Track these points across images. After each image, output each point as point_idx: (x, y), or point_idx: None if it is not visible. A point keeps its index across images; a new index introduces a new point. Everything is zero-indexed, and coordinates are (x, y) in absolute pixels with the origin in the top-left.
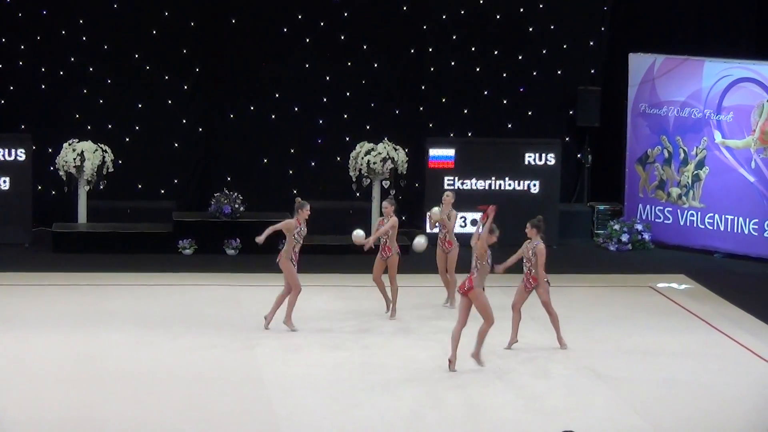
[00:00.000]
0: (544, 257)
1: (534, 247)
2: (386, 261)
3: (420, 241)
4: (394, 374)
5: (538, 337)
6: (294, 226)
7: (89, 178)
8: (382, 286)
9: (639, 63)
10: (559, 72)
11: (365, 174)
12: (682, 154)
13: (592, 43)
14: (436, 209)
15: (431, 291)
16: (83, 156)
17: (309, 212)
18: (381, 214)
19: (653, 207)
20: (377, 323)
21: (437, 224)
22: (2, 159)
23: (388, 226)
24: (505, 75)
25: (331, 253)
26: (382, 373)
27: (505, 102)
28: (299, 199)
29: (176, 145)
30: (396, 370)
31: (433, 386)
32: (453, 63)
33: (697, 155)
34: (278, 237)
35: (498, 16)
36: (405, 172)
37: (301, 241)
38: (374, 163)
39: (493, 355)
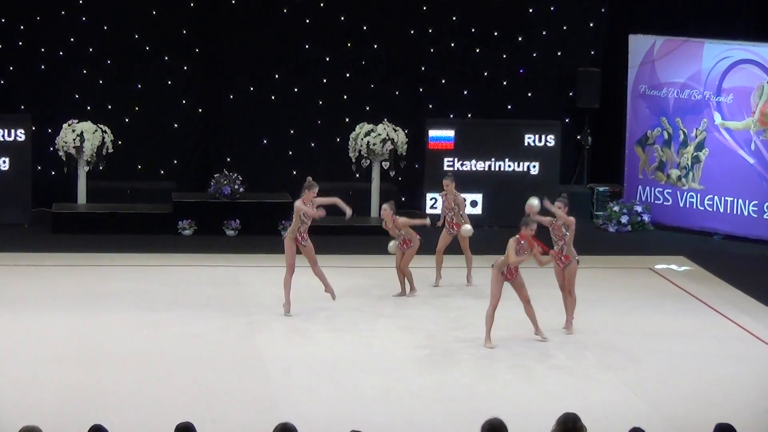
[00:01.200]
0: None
1: (562, 224)
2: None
3: (467, 228)
4: (396, 355)
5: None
6: (299, 208)
7: (89, 159)
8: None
9: (639, 44)
10: (558, 53)
11: (365, 155)
12: (682, 136)
13: (592, 25)
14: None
15: (429, 273)
16: (83, 136)
17: (315, 194)
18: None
19: (653, 188)
20: (379, 304)
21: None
22: (2, 139)
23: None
24: (504, 56)
25: (332, 234)
26: (384, 354)
27: (504, 83)
28: (310, 178)
29: (176, 125)
30: (396, 349)
31: (434, 367)
32: (453, 44)
33: (696, 137)
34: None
35: None
36: (405, 153)
37: (308, 222)
38: (374, 144)
39: (496, 337)
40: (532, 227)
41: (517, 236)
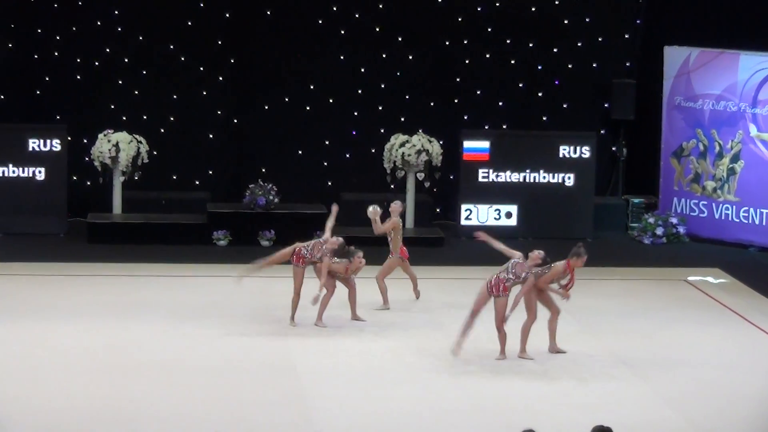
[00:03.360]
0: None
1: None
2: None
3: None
4: (428, 366)
5: (569, 330)
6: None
7: (124, 169)
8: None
9: (674, 56)
10: (594, 65)
11: (400, 166)
12: (717, 148)
13: (627, 36)
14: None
15: (465, 284)
16: (118, 147)
17: (360, 264)
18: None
19: (688, 200)
20: (410, 314)
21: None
22: (38, 149)
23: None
24: (540, 67)
25: (366, 244)
26: (415, 365)
27: (540, 94)
28: (353, 247)
29: (211, 136)
30: (428, 360)
31: (465, 377)
32: (488, 55)
33: (732, 148)
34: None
35: (533, 9)
36: (439, 165)
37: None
38: (409, 155)
39: (528, 348)
40: (583, 259)
41: (565, 263)
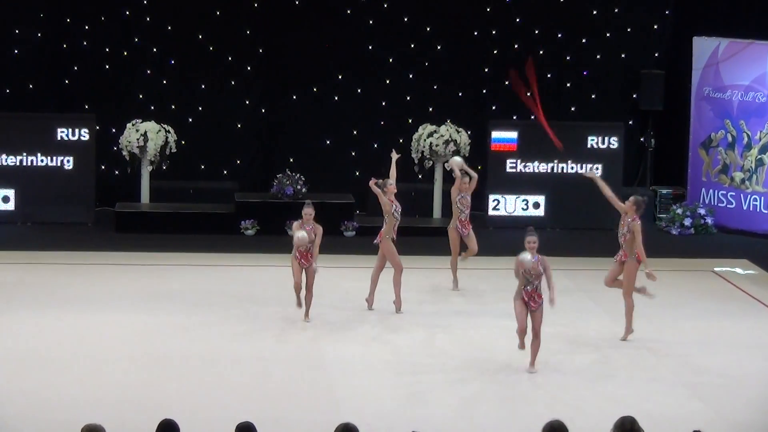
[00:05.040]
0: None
1: (629, 223)
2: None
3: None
4: (456, 356)
5: (598, 321)
6: (388, 206)
7: (152, 159)
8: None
9: (703, 46)
10: (622, 55)
11: (428, 156)
12: (746, 139)
13: (656, 27)
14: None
15: (493, 275)
16: (146, 136)
17: (394, 189)
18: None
19: (716, 191)
20: (438, 306)
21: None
22: (66, 139)
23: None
24: (568, 58)
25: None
26: (443, 355)
27: (568, 85)
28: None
29: (239, 125)
30: (458, 352)
31: (493, 368)
32: (516, 46)
33: (761, 140)
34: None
35: None
36: (467, 155)
37: (399, 218)
38: (437, 145)
39: (557, 339)
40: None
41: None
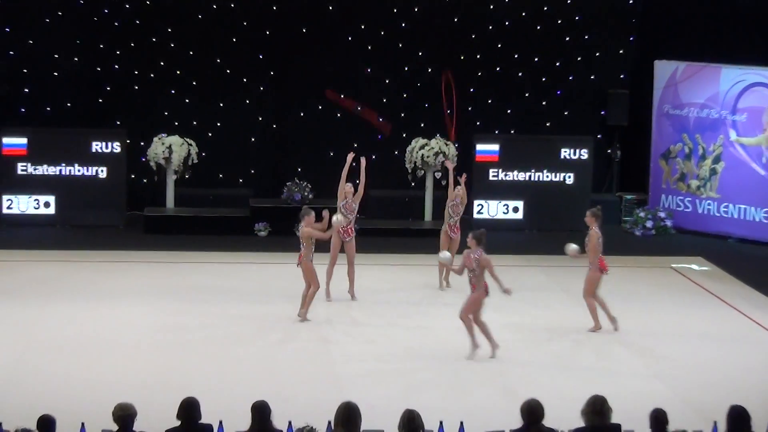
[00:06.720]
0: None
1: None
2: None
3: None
4: (452, 344)
5: (570, 313)
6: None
7: (176, 168)
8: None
9: (663, 69)
10: (592, 77)
11: (419, 166)
12: (701, 150)
13: (621, 51)
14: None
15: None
16: (171, 149)
17: (352, 189)
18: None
19: (675, 197)
20: (432, 299)
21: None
22: (100, 151)
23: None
24: (544, 79)
25: (391, 235)
26: (439, 344)
27: (544, 103)
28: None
29: (253, 139)
30: (452, 340)
31: (484, 354)
32: (498, 68)
33: (714, 151)
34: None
35: (538, 27)
36: (456, 164)
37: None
38: (427, 156)
39: (534, 329)
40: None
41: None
